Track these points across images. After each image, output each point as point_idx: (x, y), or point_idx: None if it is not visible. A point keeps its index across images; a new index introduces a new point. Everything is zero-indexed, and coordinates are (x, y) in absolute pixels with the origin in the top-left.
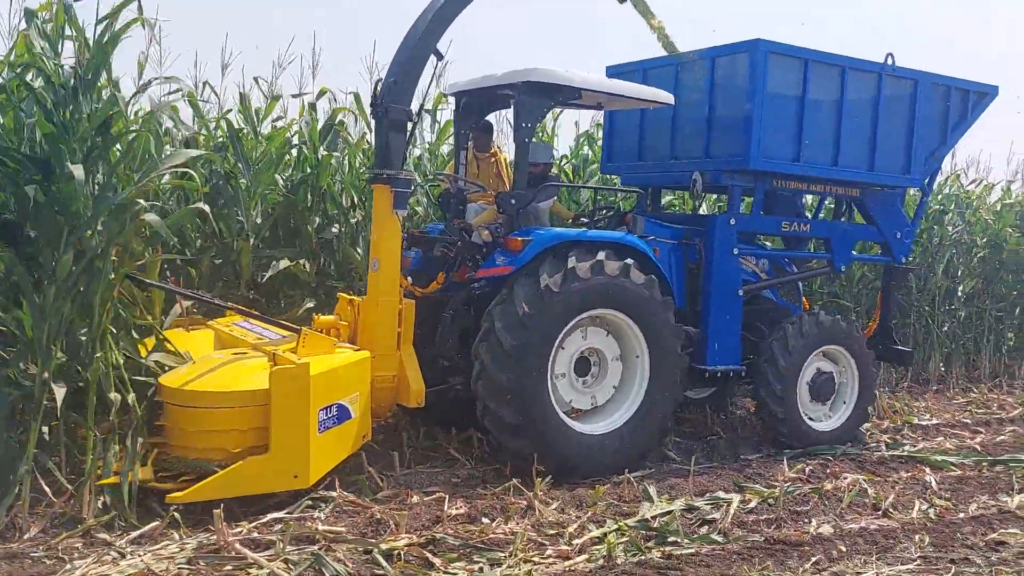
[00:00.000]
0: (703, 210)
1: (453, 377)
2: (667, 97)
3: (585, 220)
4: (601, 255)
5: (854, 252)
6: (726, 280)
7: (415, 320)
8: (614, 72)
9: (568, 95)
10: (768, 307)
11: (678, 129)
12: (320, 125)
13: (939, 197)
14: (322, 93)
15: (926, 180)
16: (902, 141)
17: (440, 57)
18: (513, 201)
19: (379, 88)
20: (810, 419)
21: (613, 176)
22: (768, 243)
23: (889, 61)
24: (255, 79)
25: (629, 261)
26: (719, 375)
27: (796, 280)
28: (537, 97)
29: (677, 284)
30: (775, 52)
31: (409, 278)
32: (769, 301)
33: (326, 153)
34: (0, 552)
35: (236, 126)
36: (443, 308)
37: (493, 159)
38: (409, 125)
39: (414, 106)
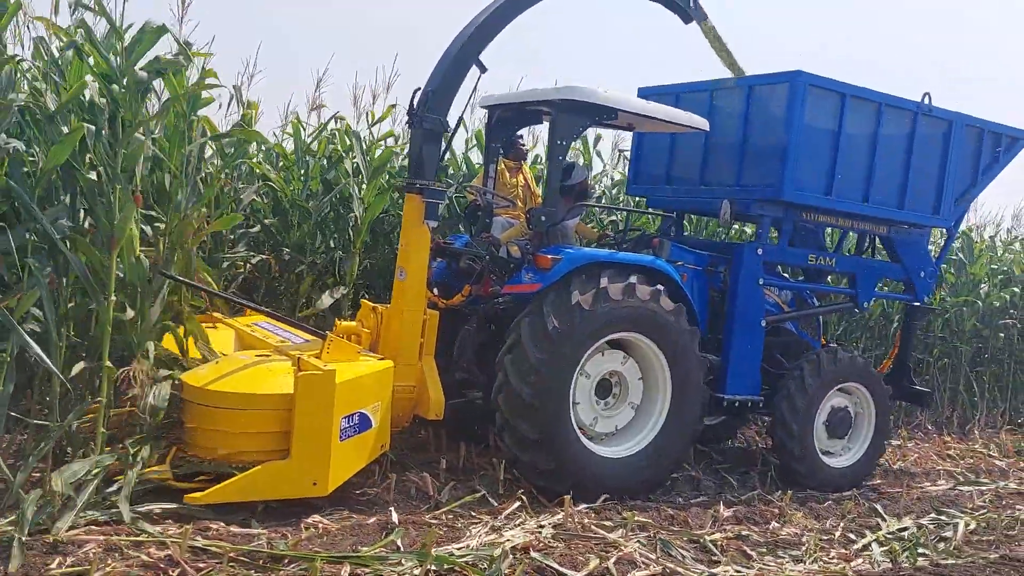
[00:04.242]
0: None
1: (470, 390)
2: (703, 123)
3: (610, 240)
4: (633, 278)
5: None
6: (750, 310)
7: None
8: (646, 94)
9: (605, 115)
10: (788, 339)
11: (710, 155)
12: None
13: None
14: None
15: (953, 221)
16: (933, 181)
17: (483, 69)
18: (544, 218)
19: (416, 97)
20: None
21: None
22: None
23: (925, 100)
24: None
25: (660, 287)
26: (736, 404)
27: (818, 314)
28: (574, 115)
29: (700, 310)
30: (814, 85)
31: (434, 289)
32: (790, 333)
33: None
34: (408, 520)
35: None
36: (463, 321)
37: (522, 174)
38: (445, 136)
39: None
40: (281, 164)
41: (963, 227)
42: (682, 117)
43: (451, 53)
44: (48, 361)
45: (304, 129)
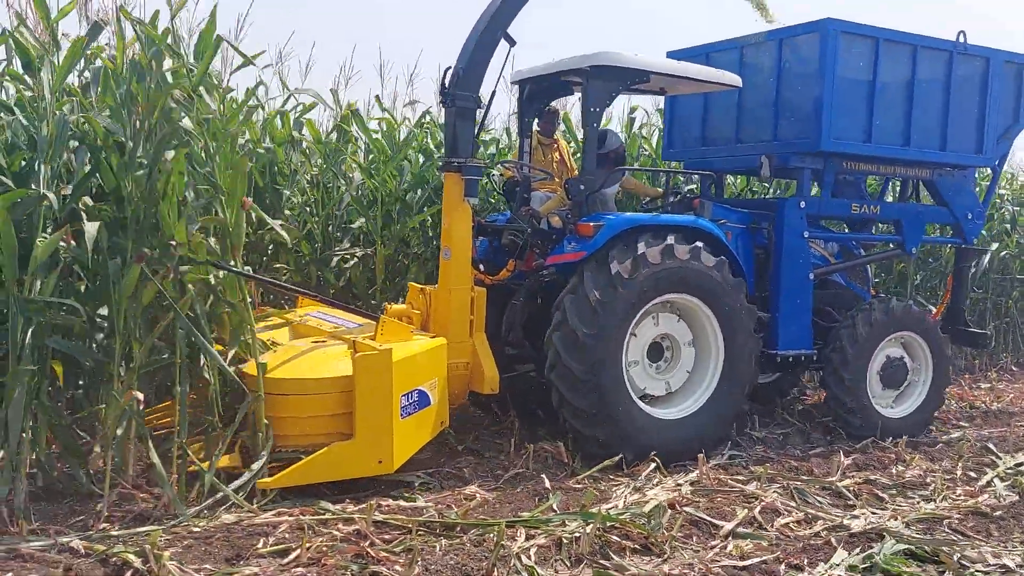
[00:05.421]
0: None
1: (522, 364)
2: (735, 79)
3: (650, 204)
4: (671, 239)
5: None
6: (796, 264)
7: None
8: (675, 56)
9: (636, 78)
10: (838, 291)
11: (744, 112)
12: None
13: None
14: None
15: (997, 160)
16: (974, 120)
17: (512, 42)
18: (582, 187)
19: (447, 76)
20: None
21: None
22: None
23: (960, 39)
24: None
25: (699, 244)
26: (790, 360)
27: (866, 263)
28: (605, 81)
29: (747, 268)
30: (845, 32)
31: (480, 267)
32: (838, 285)
33: None
34: (556, 486)
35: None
36: (511, 296)
37: (556, 146)
38: (479, 112)
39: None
40: (379, 158)
41: None
42: (714, 75)
43: (479, 29)
44: (222, 361)
45: (398, 125)
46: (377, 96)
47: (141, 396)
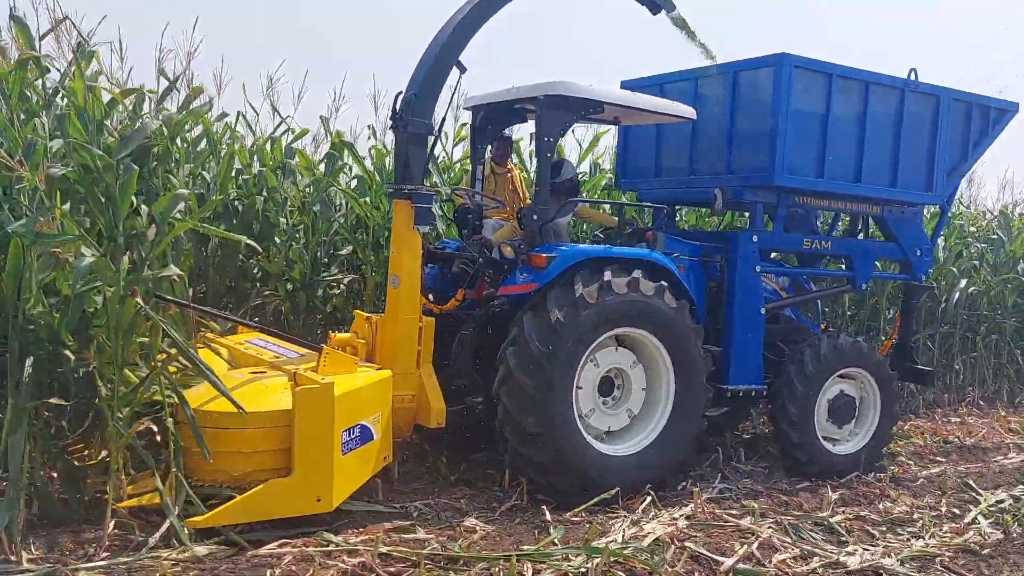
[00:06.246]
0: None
1: (471, 397)
2: (689, 112)
3: (602, 236)
4: (637, 273)
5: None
6: (748, 298)
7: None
8: (629, 86)
9: (591, 108)
10: (788, 326)
11: (697, 144)
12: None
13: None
14: None
15: (946, 197)
16: (924, 157)
17: (463, 69)
18: (535, 217)
19: (399, 101)
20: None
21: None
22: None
23: (912, 76)
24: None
25: (664, 284)
26: (740, 395)
27: (817, 298)
28: (559, 111)
29: (698, 301)
30: (800, 67)
31: (429, 295)
32: (789, 320)
33: None
34: (554, 519)
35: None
36: (458, 326)
37: (510, 174)
38: (430, 139)
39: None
40: (368, 184)
41: (1000, 206)
42: (668, 107)
43: (431, 55)
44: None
45: (388, 153)
46: (371, 125)
47: (155, 428)
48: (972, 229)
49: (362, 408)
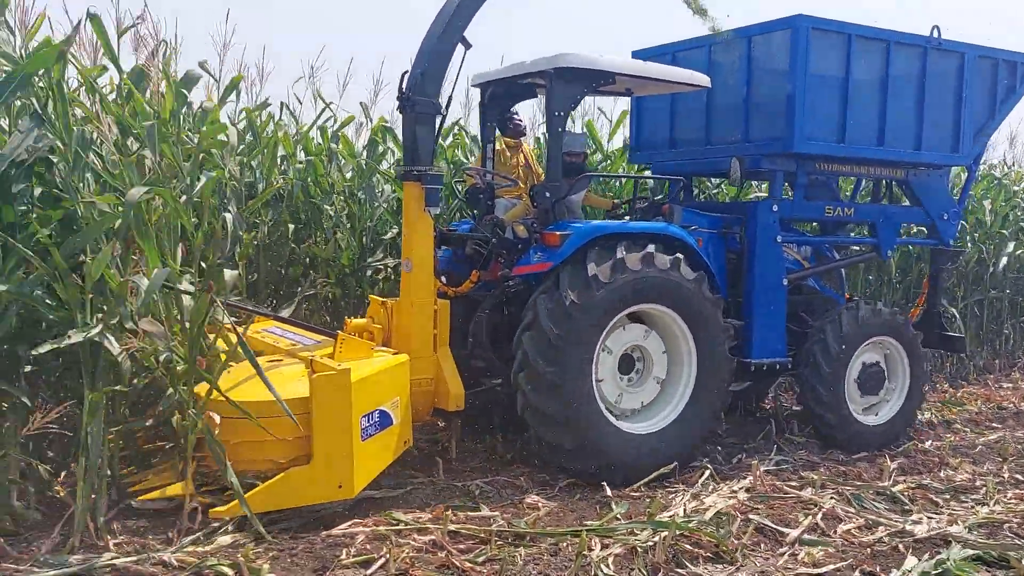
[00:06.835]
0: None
1: (488, 379)
2: (703, 80)
3: (620, 211)
4: (651, 247)
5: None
6: (770, 269)
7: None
8: (641, 56)
9: (601, 80)
10: (812, 296)
11: (713, 113)
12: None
13: None
14: None
15: (973, 159)
16: (950, 118)
17: (468, 46)
18: (548, 194)
19: (405, 80)
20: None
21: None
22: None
23: (935, 34)
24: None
25: (680, 256)
26: (764, 368)
27: (840, 267)
28: (570, 84)
29: (718, 274)
30: (817, 28)
31: (442, 278)
32: (812, 290)
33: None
34: (615, 494)
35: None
36: (474, 308)
37: (520, 151)
38: (438, 118)
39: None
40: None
41: None
42: (681, 75)
43: (435, 32)
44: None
45: None
46: None
47: (218, 419)
48: (1016, 189)
49: (380, 393)
